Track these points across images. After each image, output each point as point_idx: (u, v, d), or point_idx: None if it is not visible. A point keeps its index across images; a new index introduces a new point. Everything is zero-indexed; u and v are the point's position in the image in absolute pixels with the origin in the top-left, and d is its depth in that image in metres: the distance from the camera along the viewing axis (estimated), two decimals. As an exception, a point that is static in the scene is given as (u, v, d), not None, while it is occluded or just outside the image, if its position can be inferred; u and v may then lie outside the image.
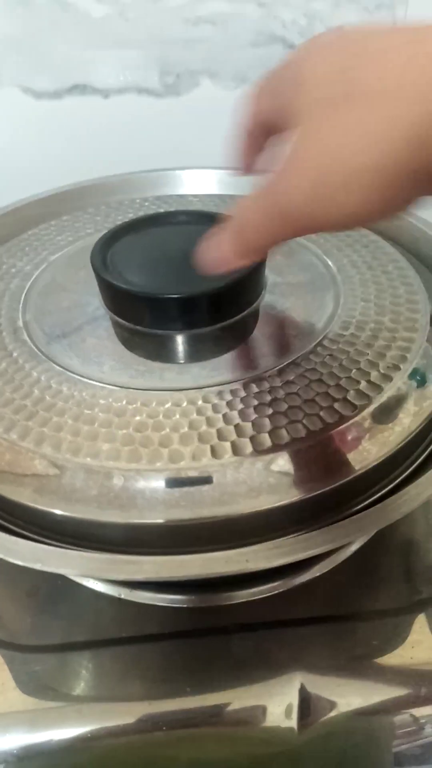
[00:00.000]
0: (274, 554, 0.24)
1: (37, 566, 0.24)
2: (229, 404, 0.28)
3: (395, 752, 0.31)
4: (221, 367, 0.30)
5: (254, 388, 0.28)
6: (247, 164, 0.26)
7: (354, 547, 0.34)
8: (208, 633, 0.32)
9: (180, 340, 0.31)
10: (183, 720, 0.29)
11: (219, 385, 0.29)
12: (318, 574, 0.33)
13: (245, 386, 0.28)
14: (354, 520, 0.25)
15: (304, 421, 0.27)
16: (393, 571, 0.35)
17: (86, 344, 0.31)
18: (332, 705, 0.29)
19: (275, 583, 0.33)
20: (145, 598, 0.32)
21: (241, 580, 0.32)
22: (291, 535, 0.25)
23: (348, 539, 0.25)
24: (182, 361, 0.30)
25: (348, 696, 0.30)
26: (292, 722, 0.29)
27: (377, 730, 0.31)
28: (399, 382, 0.29)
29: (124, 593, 0.32)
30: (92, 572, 0.25)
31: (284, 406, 0.27)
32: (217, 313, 0.31)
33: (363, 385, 0.28)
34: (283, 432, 0.27)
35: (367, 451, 0.27)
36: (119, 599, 0.33)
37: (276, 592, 0.33)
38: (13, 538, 0.25)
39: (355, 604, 0.33)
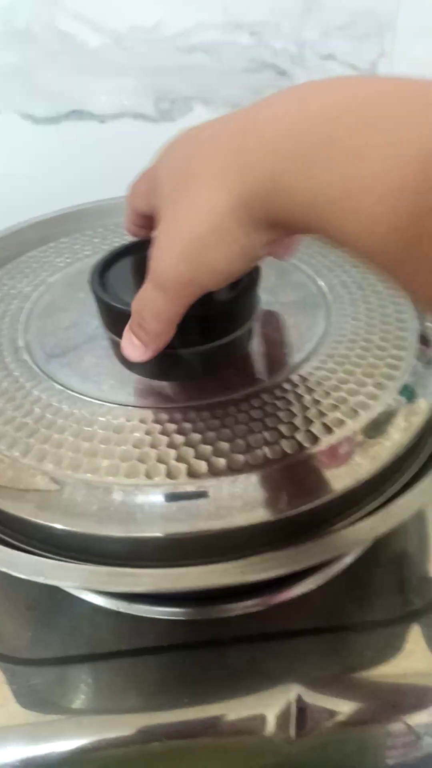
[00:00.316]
0: (269, 566, 0.25)
1: (39, 579, 0.25)
2: (223, 420, 0.29)
3: (391, 764, 0.31)
4: (216, 384, 0.31)
5: (248, 405, 0.29)
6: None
7: (347, 560, 0.35)
8: (205, 645, 0.32)
9: (176, 359, 0.32)
10: (182, 731, 0.30)
11: (214, 401, 0.29)
12: (312, 587, 0.34)
13: (239, 402, 0.29)
14: (348, 532, 0.26)
15: (297, 437, 0.28)
16: (386, 583, 0.35)
17: (85, 363, 0.32)
18: (328, 715, 0.30)
19: (270, 596, 0.33)
20: (143, 611, 0.33)
21: (237, 593, 0.33)
22: (286, 548, 0.26)
23: (342, 550, 0.26)
24: (179, 379, 0.31)
25: (343, 706, 0.30)
26: (289, 732, 0.30)
27: (372, 739, 0.31)
28: (389, 398, 0.30)
29: (123, 607, 0.33)
30: (92, 584, 0.25)
31: (277, 422, 0.28)
32: (212, 333, 0.32)
33: (354, 401, 0.29)
34: (277, 447, 0.27)
35: (359, 465, 0.28)
36: (117, 613, 0.33)
37: (271, 604, 0.33)
38: (15, 552, 0.26)
39: (349, 615, 0.34)
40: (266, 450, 0.27)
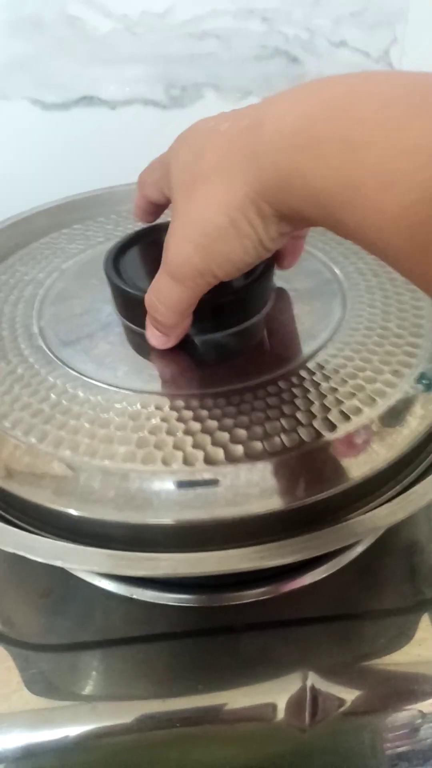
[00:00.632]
0: (288, 551, 0.25)
1: (57, 563, 0.25)
2: (240, 408, 0.28)
3: (403, 750, 0.31)
4: (232, 372, 0.31)
5: (265, 392, 0.29)
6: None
7: (359, 549, 0.35)
8: (218, 632, 0.32)
9: (192, 346, 0.32)
10: (193, 718, 0.30)
11: (231, 389, 0.29)
12: (324, 575, 0.34)
13: (255, 389, 0.29)
14: (366, 518, 0.26)
15: (314, 424, 0.28)
16: (396, 572, 0.36)
17: (100, 350, 0.32)
18: (341, 702, 0.30)
19: (282, 584, 0.33)
20: (156, 597, 0.33)
21: (249, 581, 0.33)
22: (304, 534, 0.26)
23: (360, 537, 0.26)
24: (195, 366, 0.31)
25: (355, 693, 0.30)
26: (302, 720, 0.30)
27: (384, 727, 0.31)
28: (406, 386, 0.29)
29: (136, 593, 0.33)
30: (111, 569, 0.25)
31: (294, 410, 0.28)
32: (226, 320, 0.32)
33: (371, 388, 0.29)
34: (294, 435, 0.27)
35: (376, 453, 0.28)
36: (130, 599, 0.33)
37: (282, 592, 0.33)
38: (34, 537, 0.26)
39: (361, 604, 0.34)
40: (283, 437, 0.27)
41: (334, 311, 0.33)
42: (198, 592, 0.33)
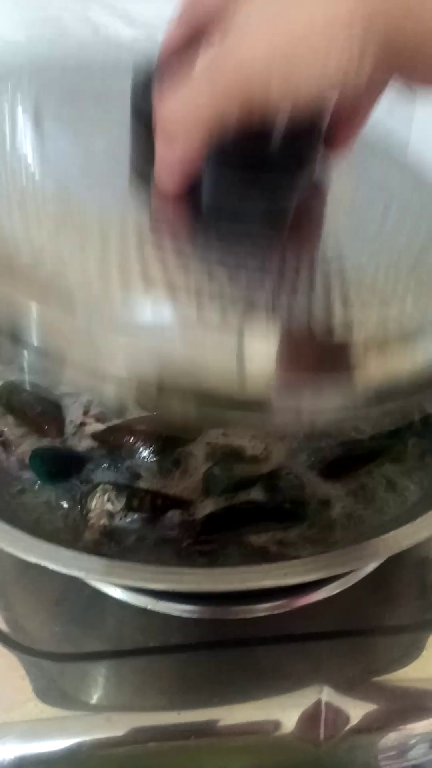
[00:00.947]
0: (311, 569, 0.25)
1: (81, 575, 0.25)
2: (219, 280, 0.22)
3: (417, 764, 0.31)
4: (233, 245, 0.25)
5: (260, 270, 0.24)
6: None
7: (372, 565, 0.35)
8: (231, 645, 0.32)
9: (203, 201, 0.26)
10: (208, 730, 0.30)
11: (221, 257, 0.24)
12: (338, 591, 0.34)
13: (253, 266, 0.24)
14: (389, 537, 0.26)
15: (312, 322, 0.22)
16: (408, 588, 0.36)
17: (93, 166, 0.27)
18: (355, 717, 0.30)
19: (296, 598, 0.33)
20: (170, 609, 0.33)
21: (264, 594, 0.33)
22: (325, 553, 0.26)
23: (381, 556, 0.26)
24: (197, 224, 0.26)
25: (370, 708, 0.30)
26: (317, 735, 0.30)
27: (396, 742, 0.31)
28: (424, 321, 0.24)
29: (150, 604, 0.33)
30: (135, 582, 0.25)
31: (291, 299, 0.23)
32: (253, 182, 0.26)
33: (383, 310, 0.24)
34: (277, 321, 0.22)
35: (369, 376, 0.22)
36: (144, 610, 0.33)
37: (297, 606, 0.33)
38: (57, 548, 0.26)
39: (374, 619, 0.34)
40: (267, 321, 0.22)
41: (371, 224, 0.29)
42: (212, 605, 0.33)
